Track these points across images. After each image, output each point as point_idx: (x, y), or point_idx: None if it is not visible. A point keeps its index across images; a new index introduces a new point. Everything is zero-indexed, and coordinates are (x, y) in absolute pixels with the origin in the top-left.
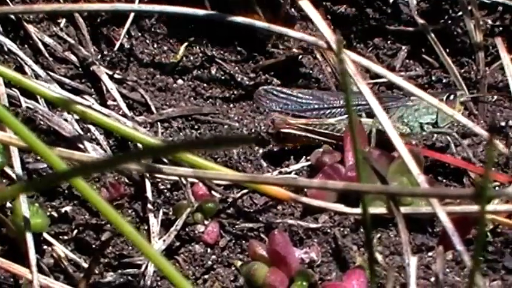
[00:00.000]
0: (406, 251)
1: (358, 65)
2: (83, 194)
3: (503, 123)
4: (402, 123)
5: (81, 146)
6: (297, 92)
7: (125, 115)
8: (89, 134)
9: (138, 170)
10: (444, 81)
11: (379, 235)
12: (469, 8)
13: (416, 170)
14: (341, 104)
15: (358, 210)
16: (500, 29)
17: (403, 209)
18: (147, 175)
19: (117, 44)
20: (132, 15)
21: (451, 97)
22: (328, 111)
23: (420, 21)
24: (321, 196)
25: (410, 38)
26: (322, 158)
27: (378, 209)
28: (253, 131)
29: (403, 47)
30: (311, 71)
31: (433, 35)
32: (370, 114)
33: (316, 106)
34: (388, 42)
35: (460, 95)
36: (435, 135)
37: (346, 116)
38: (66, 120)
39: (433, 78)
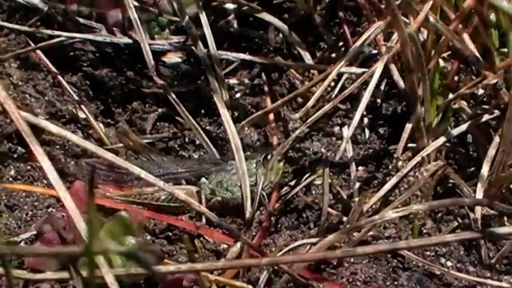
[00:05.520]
0: None
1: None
2: None
3: None
4: (221, 188)
5: None
6: None
7: None
8: None
9: None
10: (197, 142)
11: None
12: (215, 67)
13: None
14: (162, 173)
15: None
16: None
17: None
18: None
19: None
20: None
21: (268, 157)
22: None
23: (160, 82)
24: (38, 264)
25: (165, 100)
26: (43, 226)
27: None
28: None
29: (159, 109)
30: None
31: (174, 96)
32: (191, 181)
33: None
34: (146, 105)
35: (276, 153)
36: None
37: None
38: None
39: (186, 139)
